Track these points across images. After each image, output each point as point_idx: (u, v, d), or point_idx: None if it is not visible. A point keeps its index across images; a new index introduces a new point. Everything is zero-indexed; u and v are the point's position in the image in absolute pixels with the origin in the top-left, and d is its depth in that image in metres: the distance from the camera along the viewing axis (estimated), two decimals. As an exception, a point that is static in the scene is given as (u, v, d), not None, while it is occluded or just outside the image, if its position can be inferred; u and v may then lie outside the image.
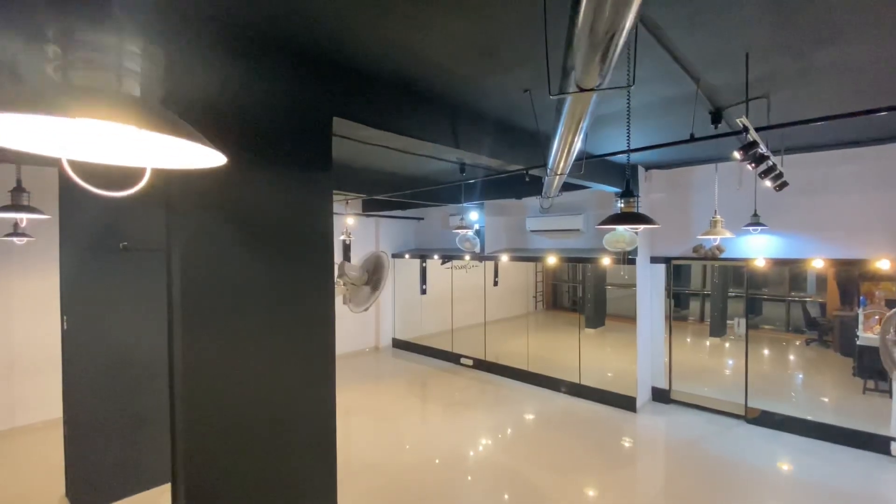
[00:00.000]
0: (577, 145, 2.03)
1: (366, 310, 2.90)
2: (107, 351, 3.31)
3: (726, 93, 2.75)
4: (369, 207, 7.72)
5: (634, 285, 5.27)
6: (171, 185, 1.71)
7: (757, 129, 2.26)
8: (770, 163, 2.64)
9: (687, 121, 3.03)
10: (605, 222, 1.75)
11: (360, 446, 4.30)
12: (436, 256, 7.61)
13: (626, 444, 4.34)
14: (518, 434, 4.57)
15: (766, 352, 5.34)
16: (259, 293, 1.89)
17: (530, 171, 3.39)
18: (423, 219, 8.58)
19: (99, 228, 3.27)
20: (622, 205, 1.73)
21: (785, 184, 3.12)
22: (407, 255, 8.08)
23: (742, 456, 4.04)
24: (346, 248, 7.43)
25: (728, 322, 6.20)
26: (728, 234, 2.98)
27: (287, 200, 2.00)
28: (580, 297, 6.54)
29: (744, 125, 2.05)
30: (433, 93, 2.62)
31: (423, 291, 8.16)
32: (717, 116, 2.96)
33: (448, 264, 7.60)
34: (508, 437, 4.47)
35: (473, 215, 6.51)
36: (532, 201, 6.71)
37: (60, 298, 3.18)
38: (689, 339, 6.23)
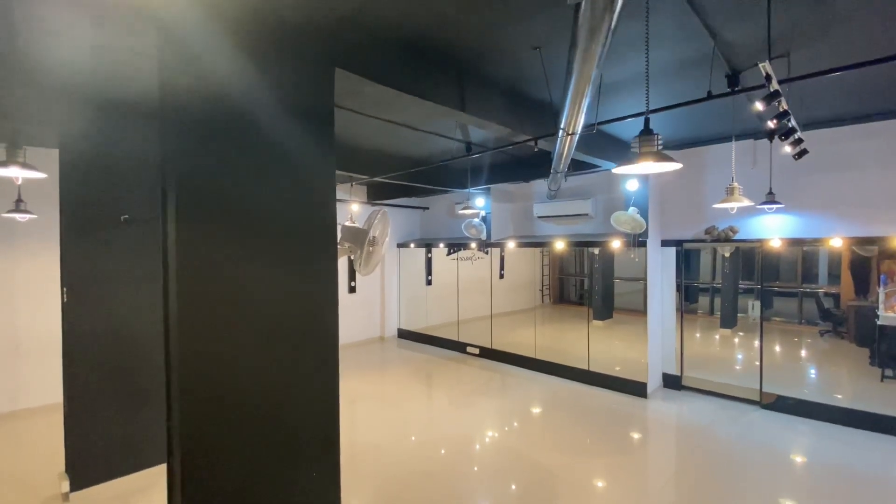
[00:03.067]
0: (590, 90, 1.93)
1: (370, 272, 2.82)
2: (107, 325, 3.26)
3: (744, 52, 2.64)
4: (375, 196, 7.66)
5: (643, 278, 5.16)
6: (167, 147, 1.62)
7: (780, 82, 2.16)
8: (791, 124, 2.53)
9: (703, 87, 2.92)
10: (623, 164, 1.65)
11: (365, 429, 4.22)
12: (441, 244, 7.53)
13: (638, 429, 4.23)
14: (525, 418, 4.47)
15: (779, 342, 5.20)
16: (258, 266, 1.79)
17: (539, 142, 3.30)
18: (428, 208, 8.50)
19: (100, 201, 3.22)
20: (642, 146, 1.62)
21: (805, 151, 3.01)
22: (412, 245, 8.00)
23: (758, 439, 3.91)
24: (351, 237, 7.37)
25: (739, 315, 6.07)
26: (747, 202, 2.86)
27: (287, 156, 1.89)
28: (587, 290, 6.42)
29: (766, 73, 1.95)
30: (439, 47, 2.52)
31: (429, 282, 8.08)
32: (734, 79, 2.85)
33: (454, 255, 7.51)
34: (516, 421, 4.37)
35: (480, 201, 6.43)
36: (539, 187, 6.61)
37: (60, 270, 3.13)
38: (700, 330, 6.09)
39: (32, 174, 2.21)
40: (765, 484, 3.18)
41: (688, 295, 5.54)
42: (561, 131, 2.50)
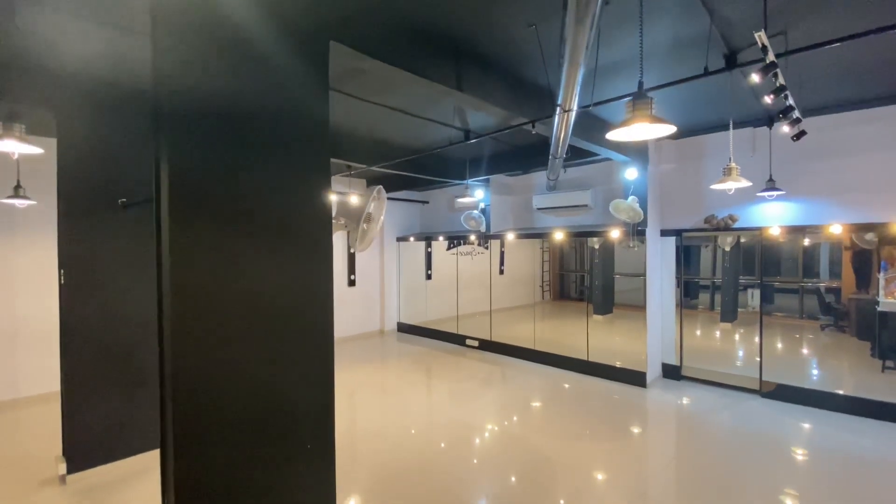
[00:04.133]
0: (585, 59, 1.92)
1: (365, 248, 2.81)
2: (105, 308, 3.26)
3: (741, 31, 2.63)
4: (374, 189, 7.65)
5: (643, 274, 5.14)
6: (159, 131, 1.60)
7: (777, 56, 2.15)
8: (789, 101, 2.52)
9: (700, 70, 2.91)
10: (617, 128, 1.64)
11: (364, 418, 4.21)
12: (441, 238, 7.52)
13: (637, 416, 4.21)
14: (524, 406, 4.45)
15: (780, 336, 5.18)
16: (251, 252, 1.75)
17: (537, 126, 3.29)
18: (427, 202, 8.50)
19: (97, 185, 3.23)
20: (636, 108, 1.60)
21: (803, 132, 3.00)
22: (412, 238, 8.00)
23: (758, 425, 3.90)
24: (351, 230, 7.37)
25: (740, 309, 6.05)
26: (745, 182, 2.85)
27: (279, 136, 1.83)
28: (588, 285, 6.39)
29: (762, 43, 1.94)
30: (435, 24, 2.51)
31: (429, 277, 8.07)
32: (731, 60, 2.84)
33: (453, 250, 7.50)
34: (514, 409, 4.36)
35: (479, 193, 6.42)
36: (539, 179, 6.61)
37: (58, 253, 3.14)
38: (700, 324, 6.08)
39: (29, 148, 2.21)
40: (764, 466, 3.17)
41: (688, 290, 5.52)
42: (558, 108, 2.49)
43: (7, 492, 2.96)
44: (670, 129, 1.62)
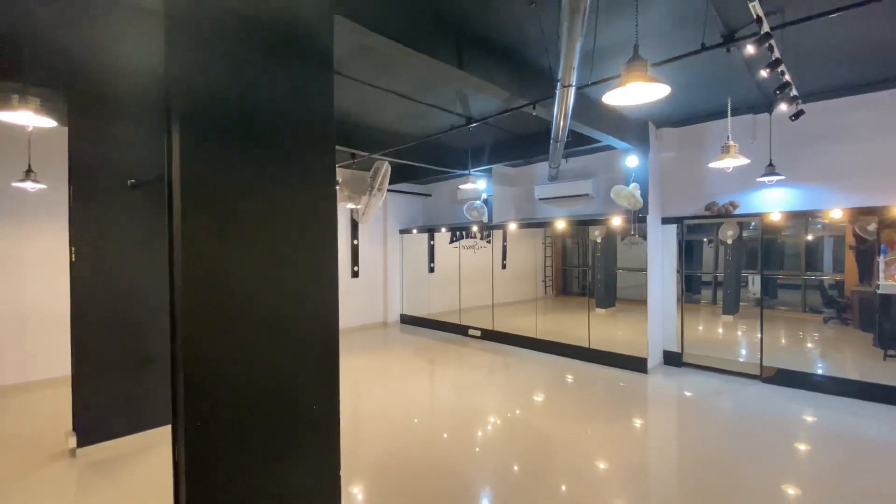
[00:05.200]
0: (583, 28, 1.96)
1: (368, 220, 2.86)
2: (114, 286, 3.33)
3: (738, 11, 2.67)
4: (377, 181, 7.71)
5: (645, 269, 5.17)
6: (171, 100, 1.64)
7: (772, 29, 2.19)
8: (785, 77, 2.56)
9: (698, 55, 2.94)
10: (611, 91, 1.68)
11: (368, 402, 4.26)
12: (444, 229, 7.57)
13: (638, 400, 4.24)
14: (525, 391, 4.49)
15: (782, 328, 5.19)
16: (257, 244, 1.78)
17: (538, 109, 3.34)
18: (430, 195, 8.56)
19: (108, 166, 3.31)
20: (631, 70, 1.62)
21: (801, 112, 3.03)
22: (415, 231, 8.05)
23: (758, 409, 3.92)
24: (355, 225, 7.43)
25: (742, 303, 6.06)
26: (743, 160, 2.88)
27: (284, 117, 1.85)
28: (590, 281, 6.41)
29: (756, 14, 1.98)
30: (437, 2, 2.57)
31: (431, 270, 8.12)
32: (728, 39, 2.87)
33: (456, 243, 7.54)
34: (517, 393, 4.40)
35: (481, 183, 6.47)
36: (541, 170, 6.65)
37: (69, 231, 3.21)
38: (702, 316, 6.09)
39: (44, 121, 2.28)
40: (764, 444, 3.20)
41: (690, 285, 5.55)
42: (558, 84, 2.54)
43: (19, 465, 3.03)
44: (665, 89, 1.67)
